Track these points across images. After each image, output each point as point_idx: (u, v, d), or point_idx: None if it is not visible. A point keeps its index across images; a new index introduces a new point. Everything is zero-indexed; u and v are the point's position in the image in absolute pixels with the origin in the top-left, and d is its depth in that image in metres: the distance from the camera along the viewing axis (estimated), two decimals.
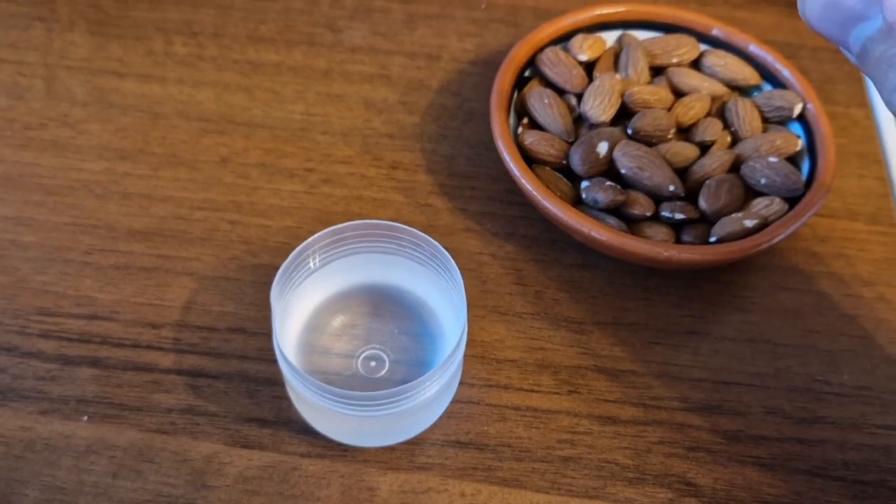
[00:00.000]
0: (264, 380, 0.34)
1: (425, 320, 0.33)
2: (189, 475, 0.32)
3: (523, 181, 0.35)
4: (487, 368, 0.34)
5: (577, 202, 0.36)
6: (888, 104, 0.22)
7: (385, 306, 0.34)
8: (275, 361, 0.34)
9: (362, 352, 0.33)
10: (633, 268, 0.37)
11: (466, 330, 0.30)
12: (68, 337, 0.35)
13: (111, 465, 0.32)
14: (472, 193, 0.40)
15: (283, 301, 0.31)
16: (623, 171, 0.36)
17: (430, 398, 0.30)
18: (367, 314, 0.34)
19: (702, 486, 0.32)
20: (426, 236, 0.31)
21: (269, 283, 0.36)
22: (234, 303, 0.36)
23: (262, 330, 0.35)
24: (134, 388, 0.33)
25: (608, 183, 0.35)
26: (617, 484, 0.32)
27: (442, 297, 0.33)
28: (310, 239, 0.31)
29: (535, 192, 0.35)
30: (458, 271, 0.31)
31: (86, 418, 0.33)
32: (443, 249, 0.31)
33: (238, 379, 0.34)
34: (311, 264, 0.32)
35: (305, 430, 0.33)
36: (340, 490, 0.31)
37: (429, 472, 0.32)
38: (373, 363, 0.33)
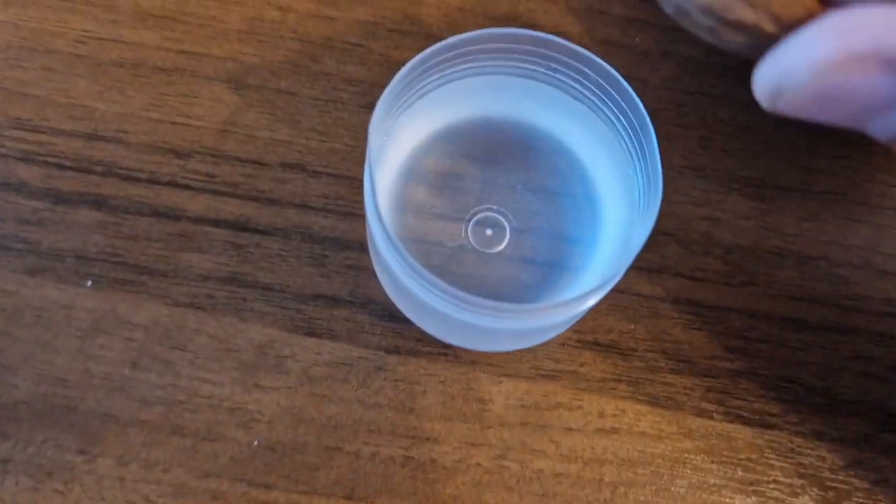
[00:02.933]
0: (333, 240, 0.25)
1: (567, 175, 0.24)
2: (236, 370, 0.23)
3: None
4: None
5: None
6: None
7: (508, 151, 0.24)
8: (346, 215, 0.25)
9: (474, 214, 0.24)
10: None
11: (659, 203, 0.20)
12: (59, 163, 0.25)
13: (128, 350, 0.23)
14: None
15: (380, 135, 0.21)
16: None
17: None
18: (483, 160, 0.24)
19: None
20: (597, 59, 0.21)
21: (334, 101, 0.26)
22: (289, 126, 0.26)
23: (328, 168, 0.25)
24: (154, 243, 0.24)
25: None
26: (801, 410, 0.24)
27: (599, 145, 0.23)
28: (437, 46, 0.21)
29: None
30: (646, 112, 0.21)
31: (90, 283, 0.24)
32: (620, 79, 0.21)
33: (297, 237, 0.25)
34: (427, 83, 0.22)
35: (392, 316, 0.24)
36: (440, 400, 0.23)
37: (557, 382, 0.24)
38: (488, 231, 0.23)
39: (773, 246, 0.26)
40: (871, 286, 0.26)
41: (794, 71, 0.13)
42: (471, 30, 0.27)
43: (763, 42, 0.13)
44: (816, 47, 0.13)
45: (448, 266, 0.23)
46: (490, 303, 0.19)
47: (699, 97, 0.27)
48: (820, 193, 0.27)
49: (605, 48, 0.28)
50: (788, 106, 0.13)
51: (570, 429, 0.24)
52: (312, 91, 0.26)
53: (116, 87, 0.26)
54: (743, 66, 0.28)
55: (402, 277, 0.20)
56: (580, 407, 0.24)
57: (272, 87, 0.26)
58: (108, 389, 0.23)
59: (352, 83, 0.26)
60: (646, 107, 0.25)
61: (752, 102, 0.28)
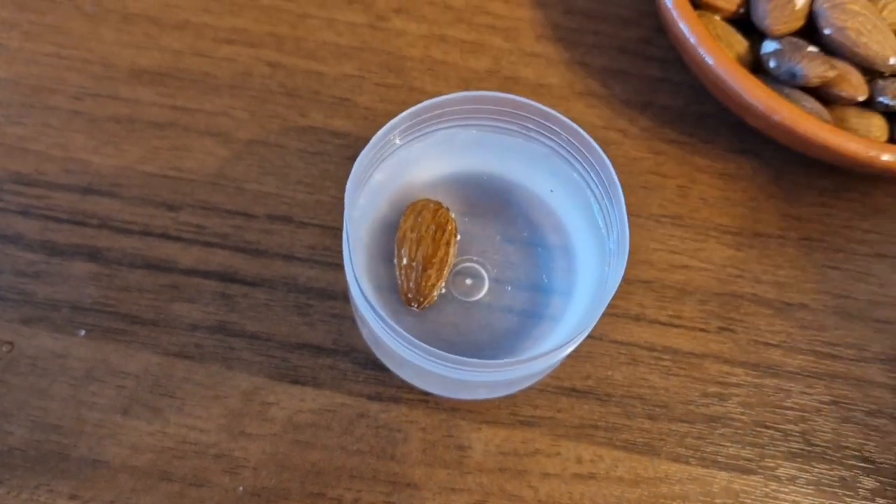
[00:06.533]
0: (318, 291, 0.25)
1: (543, 228, 0.24)
2: (223, 417, 0.24)
3: (684, 28, 0.25)
4: None
5: (755, 69, 0.26)
6: None
7: (487, 204, 0.25)
8: (331, 265, 0.26)
9: (455, 265, 0.24)
10: (806, 160, 0.28)
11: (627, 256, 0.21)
12: (55, 216, 0.26)
13: (120, 398, 0.24)
14: (597, 41, 0.29)
15: (357, 194, 0.22)
16: (828, 31, 0.25)
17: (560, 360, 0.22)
18: (462, 213, 0.25)
19: (882, 465, 0.25)
20: (568, 121, 0.22)
21: (321, 154, 0.27)
22: (277, 179, 0.27)
23: (314, 220, 0.26)
24: (146, 294, 0.25)
25: (811, 49, 0.25)
26: (776, 455, 0.25)
27: (573, 199, 0.24)
28: (403, 114, 0.22)
29: (701, 47, 0.25)
30: (613, 169, 0.21)
31: (83, 332, 0.25)
32: (588, 138, 0.22)
33: (283, 287, 0.25)
34: (397, 141, 0.23)
35: (374, 364, 0.25)
36: (421, 447, 0.24)
37: (536, 428, 0.24)
38: (468, 281, 0.24)
39: (750, 293, 0.26)
40: (847, 331, 0.26)
41: None
42: (454, 83, 0.28)
43: None
44: None
45: (428, 314, 0.24)
46: (462, 359, 0.20)
47: (677, 146, 0.28)
48: (797, 241, 0.27)
49: (586, 99, 0.28)
50: None
51: (547, 474, 0.24)
52: (300, 144, 0.27)
53: (112, 141, 0.27)
54: (721, 114, 0.28)
55: (380, 333, 0.21)
56: (558, 453, 0.24)
57: (261, 140, 0.27)
58: (100, 437, 0.24)
59: (338, 136, 0.27)
60: (625, 156, 0.26)
61: (730, 150, 0.28)
